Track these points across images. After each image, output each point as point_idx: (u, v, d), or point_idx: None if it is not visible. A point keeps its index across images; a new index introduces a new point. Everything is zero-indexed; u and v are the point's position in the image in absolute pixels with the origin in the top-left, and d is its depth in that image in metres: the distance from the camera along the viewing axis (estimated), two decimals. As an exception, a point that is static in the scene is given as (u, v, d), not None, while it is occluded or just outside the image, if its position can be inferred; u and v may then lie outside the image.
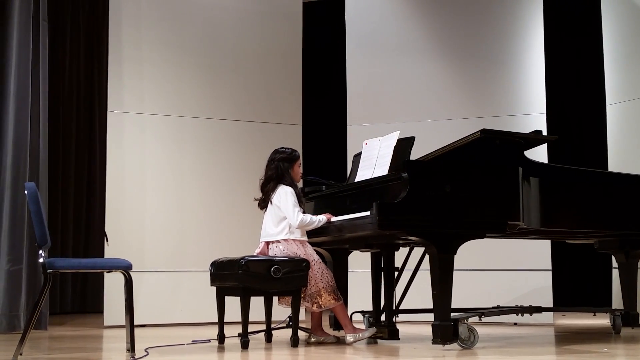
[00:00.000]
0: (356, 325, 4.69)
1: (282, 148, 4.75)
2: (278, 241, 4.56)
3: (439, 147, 4.47)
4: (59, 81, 8.11)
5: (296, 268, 4.42)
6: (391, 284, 4.71)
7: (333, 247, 5.08)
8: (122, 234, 6.13)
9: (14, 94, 5.74)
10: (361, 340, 4.58)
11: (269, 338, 4.71)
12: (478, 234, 4.24)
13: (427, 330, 4.22)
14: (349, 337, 4.55)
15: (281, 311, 4.92)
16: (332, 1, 8.23)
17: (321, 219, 4.56)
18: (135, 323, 4.10)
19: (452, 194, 4.11)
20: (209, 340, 4.73)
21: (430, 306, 4.16)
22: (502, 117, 6.39)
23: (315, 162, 7.84)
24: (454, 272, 4.12)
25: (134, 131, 6.32)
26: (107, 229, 6.12)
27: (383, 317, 4.80)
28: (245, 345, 4.31)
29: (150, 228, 6.28)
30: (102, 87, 7.89)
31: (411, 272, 4.89)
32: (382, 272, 4.79)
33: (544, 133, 5.63)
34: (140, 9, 6.43)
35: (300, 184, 4.89)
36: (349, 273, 5.73)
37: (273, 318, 4.76)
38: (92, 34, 8.45)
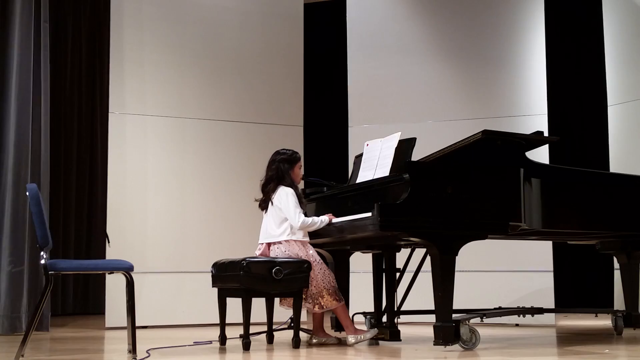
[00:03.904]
0: (357, 327, 4.69)
1: (283, 149, 4.75)
2: (279, 242, 4.56)
3: (441, 148, 4.47)
4: (60, 83, 8.12)
5: (298, 269, 4.42)
6: (393, 285, 4.71)
7: (334, 248, 5.08)
8: (123, 235, 6.14)
9: (16, 95, 5.74)
10: (363, 342, 4.58)
11: (270, 339, 4.70)
12: (480, 235, 4.24)
13: (429, 332, 4.22)
14: (351, 338, 4.55)
15: (283, 312, 4.93)
16: (333, 2, 8.23)
17: (323, 219, 4.56)
18: (137, 324, 4.09)
19: (454, 195, 4.11)
20: (211, 342, 4.73)
21: (432, 307, 4.16)
22: (503, 118, 6.39)
23: (317, 163, 7.84)
24: (456, 273, 4.11)
25: (135, 132, 6.32)
26: (109, 230, 6.13)
27: (384, 319, 4.80)
28: (246, 346, 4.31)
29: (151, 229, 6.28)
30: (104, 89, 7.90)
31: (413, 274, 4.89)
32: (384, 274, 4.79)
33: (546, 134, 5.63)
34: (141, 10, 6.43)
35: (301, 185, 4.89)
36: (351, 274, 5.73)
37: (274, 319, 4.76)
38: (94, 35, 8.45)
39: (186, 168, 6.48)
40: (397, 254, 4.79)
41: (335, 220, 4.55)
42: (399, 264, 4.81)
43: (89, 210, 8.37)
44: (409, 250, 5.01)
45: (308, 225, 4.53)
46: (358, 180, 4.78)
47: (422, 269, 4.80)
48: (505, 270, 6.27)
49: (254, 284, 4.33)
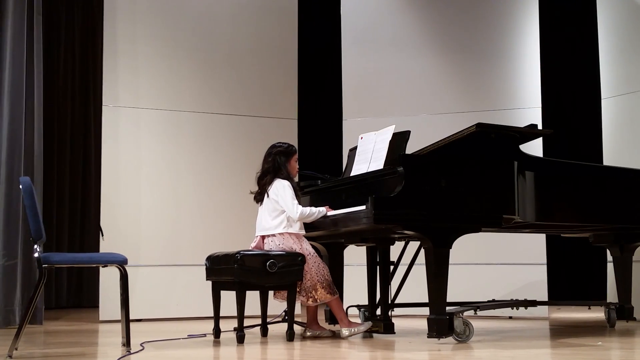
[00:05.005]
0: (352, 320, 4.69)
1: (279, 143, 4.75)
2: (274, 235, 4.56)
3: (435, 141, 4.47)
4: (53, 76, 8.09)
5: (292, 262, 4.42)
6: (387, 278, 4.71)
7: (329, 241, 5.08)
8: (117, 228, 6.13)
9: (9, 88, 5.72)
10: (357, 335, 4.59)
11: (264, 332, 4.71)
12: (473, 228, 4.24)
13: (423, 324, 4.23)
14: (345, 331, 4.56)
15: (277, 305, 4.93)
16: (327, -5, 8.21)
17: (321, 210, 4.56)
18: (131, 317, 4.10)
19: (448, 188, 4.11)
20: (205, 335, 4.74)
21: (426, 300, 4.16)
22: (497, 111, 6.40)
23: (311, 157, 7.84)
24: (450, 266, 4.12)
25: (129, 126, 6.31)
26: (103, 223, 6.12)
27: (379, 311, 4.81)
28: (241, 339, 4.31)
29: (145, 222, 6.28)
30: (97, 82, 7.88)
31: (407, 266, 4.90)
32: (378, 266, 4.80)
33: (539, 127, 5.63)
34: (135, 3, 6.41)
35: (296, 178, 4.89)
36: (345, 267, 5.74)
37: (269, 312, 4.76)
38: (87, 28, 8.42)
39: (180, 161, 6.47)
40: (391, 247, 4.79)
41: (330, 213, 4.55)
42: (393, 256, 4.81)
43: (82, 203, 8.36)
44: (403, 243, 5.02)
45: (306, 216, 4.53)
46: (352, 174, 4.78)
47: (416, 261, 4.81)
48: (499, 263, 6.29)
49: (248, 277, 4.34)
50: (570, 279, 8.06)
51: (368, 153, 4.71)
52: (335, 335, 4.67)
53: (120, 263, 3.94)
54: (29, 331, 5.16)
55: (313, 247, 4.70)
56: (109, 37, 6.32)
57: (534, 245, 6.17)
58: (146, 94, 6.39)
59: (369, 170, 4.57)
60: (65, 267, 7.73)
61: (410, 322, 5.55)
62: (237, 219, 6.32)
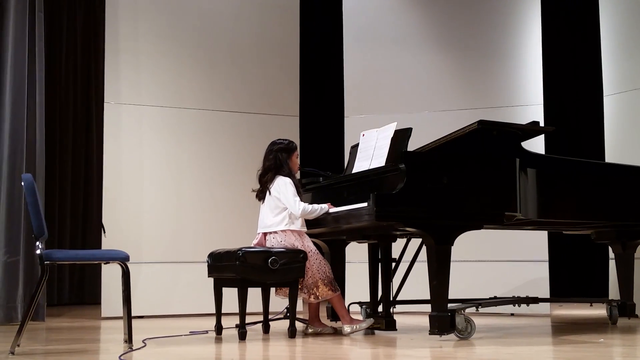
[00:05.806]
0: (353, 316, 4.70)
1: (280, 139, 4.75)
2: (276, 232, 4.56)
3: (437, 139, 4.47)
4: (55, 73, 8.09)
5: (293, 259, 4.42)
6: (388, 275, 4.72)
7: (330, 238, 5.08)
8: (119, 225, 6.13)
9: (11, 85, 5.73)
10: (358, 331, 4.59)
11: (266, 329, 4.71)
12: (475, 225, 4.25)
13: (425, 321, 4.23)
14: (346, 328, 4.56)
15: (279, 302, 4.93)
16: (329, -8, 8.21)
17: (323, 207, 4.55)
18: (133, 314, 4.10)
19: (450, 185, 4.11)
20: (207, 332, 4.74)
21: (428, 297, 4.17)
22: (499, 109, 6.39)
23: (313, 154, 7.84)
24: (451, 263, 4.12)
25: (131, 123, 6.31)
26: (105, 220, 6.12)
27: (380, 308, 4.81)
28: (242, 336, 4.32)
29: (147, 219, 6.28)
30: (99, 79, 7.87)
31: (408, 263, 4.90)
32: (380, 263, 4.80)
33: (542, 124, 5.63)
34: (137, 0, 6.41)
35: (297, 175, 4.89)
36: (347, 264, 5.73)
37: (270, 309, 4.77)
38: (89, 25, 8.42)
39: (182, 158, 6.47)
40: (393, 243, 4.79)
41: (331, 210, 4.55)
42: (395, 253, 4.82)
43: (84, 200, 8.37)
44: (404, 240, 5.02)
45: (309, 213, 4.53)
46: (354, 171, 4.78)
47: (418, 258, 4.81)
48: (501, 260, 6.28)
49: (250, 274, 4.34)
50: (572, 276, 8.06)
51: (370, 150, 4.71)
52: (337, 332, 4.67)
53: (122, 260, 3.95)
54: (31, 328, 5.16)
55: (315, 244, 4.70)
56: (110, 35, 6.32)
57: (536, 242, 6.17)
58: (148, 91, 6.39)
59: (371, 167, 4.57)
60: (67, 264, 7.71)
61: (412, 319, 5.56)
62: (239, 216, 6.32)
